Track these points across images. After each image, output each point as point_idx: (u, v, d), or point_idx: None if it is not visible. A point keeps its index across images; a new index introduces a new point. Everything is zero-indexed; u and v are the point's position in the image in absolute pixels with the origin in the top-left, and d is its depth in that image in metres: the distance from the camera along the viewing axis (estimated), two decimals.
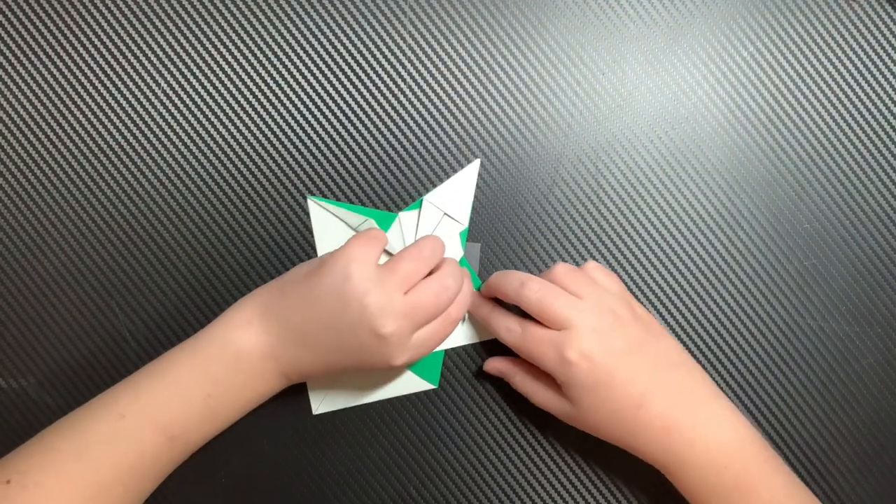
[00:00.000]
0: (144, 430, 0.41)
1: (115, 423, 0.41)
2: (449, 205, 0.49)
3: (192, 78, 0.49)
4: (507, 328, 0.44)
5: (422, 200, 0.48)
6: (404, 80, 0.49)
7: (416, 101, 0.49)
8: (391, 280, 0.41)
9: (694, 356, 0.50)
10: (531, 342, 0.43)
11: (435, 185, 0.49)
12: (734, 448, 0.41)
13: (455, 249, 0.49)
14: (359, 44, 0.49)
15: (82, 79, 0.49)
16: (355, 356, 0.42)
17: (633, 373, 0.41)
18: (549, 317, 0.42)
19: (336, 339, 0.42)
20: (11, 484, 0.39)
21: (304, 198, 0.49)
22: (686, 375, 0.43)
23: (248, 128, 0.49)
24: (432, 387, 0.49)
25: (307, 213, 0.49)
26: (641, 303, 0.50)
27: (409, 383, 0.49)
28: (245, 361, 0.42)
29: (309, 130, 0.49)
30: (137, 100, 0.49)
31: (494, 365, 0.48)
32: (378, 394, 0.49)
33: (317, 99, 0.49)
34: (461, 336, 0.49)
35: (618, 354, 0.41)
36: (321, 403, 0.49)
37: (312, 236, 0.49)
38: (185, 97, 0.49)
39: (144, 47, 0.49)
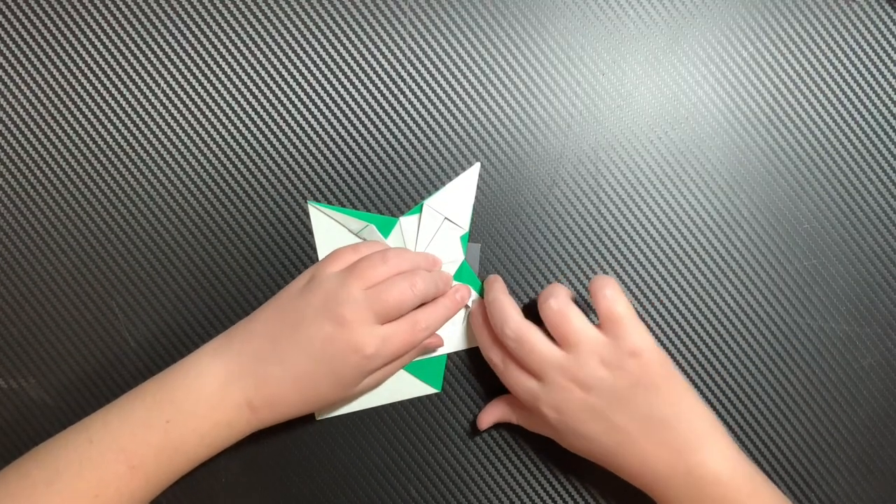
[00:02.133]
0: (108, 457, 0.40)
1: (84, 448, 0.40)
2: (449, 209, 0.49)
3: (192, 78, 0.49)
4: (491, 360, 0.45)
5: (422, 205, 0.48)
6: (404, 81, 0.49)
7: (416, 102, 0.49)
8: (350, 276, 0.43)
9: (694, 356, 0.50)
10: (510, 381, 0.44)
11: (435, 186, 0.49)
12: (719, 487, 0.41)
13: (456, 253, 0.49)
14: (359, 44, 0.49)
15: (82, 79, 0.49)
16: (325, 359, 0.42)
17: (604, 430, 0.42)
18: (528, 367, 0.43)
19: (303, 341, 0.42)
20: None
21: (304, 198, 0.49)
22: (665, 430, 0.41)
23: (248, 128, 0.49)
24: (435, 391, 0.49)
25: (307, 214, 0.49)
26: (641, 303, 0.50)
27: (412, 387, 0.49)
28: (206, 386, 0.42)
29: (309, 130, 0.49)
30: (137, 100, 0.49)
31: (487, 420, 0.48)
32: (381, 398, 0.49)
33: (317, 99, 0.49)
34: (461, 340, 0.49)
35: (589, 415, 0.42)
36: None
37: (313, 238, 0.49)
38: (185, 97, 0.49)
39: (144, 47, 0.49)
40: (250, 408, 0.42)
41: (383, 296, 0.43)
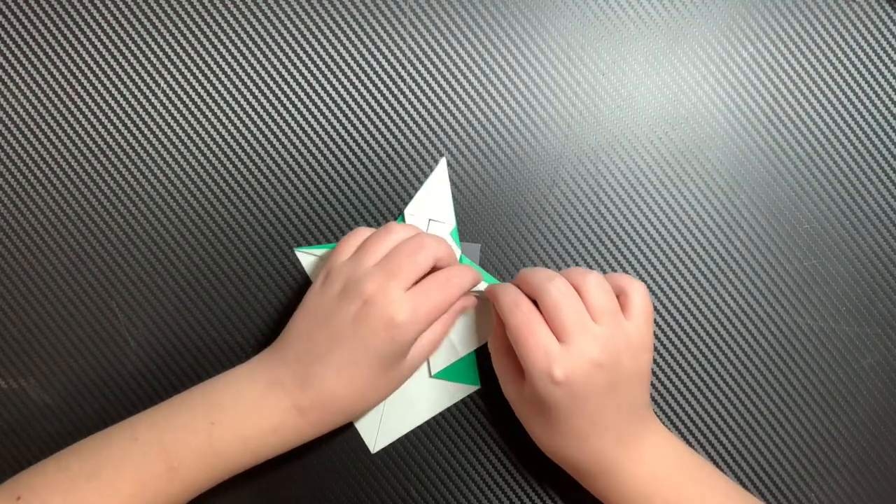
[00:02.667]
0: (149, 457, 0.40)
1: (127, 445, 0.40)
2: (430, 209, 0.48)
3: (192, 78, 0.49)
4: (515, 302, 0.42)
5: (403, 216, 0.48)
6: (404, 81, 0.49)
7: (416, 102, 0.49)
8: (360, 255, 0.43)
9: (694, 356, 0.50)
10: (527, 331, 0.41)
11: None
12: (664, 476, 0.42)
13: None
14: (359, 44, 0.49)
15: (82, 79, 0.49)
16: (361, 341, 0.40)
17: (596, 411, 0.41)
18: (558, 323, 0.41)
19: (336, 331, 0.41)
20: (21, 501, 0.39)
21: (304, 198, 0.49)
22: (637, 419, 0.43)
23: (248, 128, 0.49)
24: (476, 388, 0.49)
25: (307, 214, 0.49)
26: None
27: (453, 393, 0.48)
28: (251, 391, 0.41)
29: (309, 130, 0.49)
30: (137, 100, 0.49)
31: (497, 295, 0.44)
32: (427, 410, 0.48)
33: (316, 99, 0.49)
34: (473, 339, 0.48)
35: (595, 391, 0.41)
36: (376, 439, 0.48)
37: (313, 237, 0.49)
38: (184, 97, 0.49)
39: (144, 47, 0.49)
40: (299, 411, 0.41)
41: (396, 259, 0.41)
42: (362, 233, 0.45)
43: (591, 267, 0.50)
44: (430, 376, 0.48)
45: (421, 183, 0.49)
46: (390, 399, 0.47)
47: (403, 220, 0.48)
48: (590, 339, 0.40)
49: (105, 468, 0.40)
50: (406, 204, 0.49)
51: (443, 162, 0.49)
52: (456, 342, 0.48)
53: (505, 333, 0.43)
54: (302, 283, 0.49)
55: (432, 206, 0.48)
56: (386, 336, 0.40)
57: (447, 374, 0.48)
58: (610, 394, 0.41)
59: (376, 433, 0.48)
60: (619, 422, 0.42)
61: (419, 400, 0.48)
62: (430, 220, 0.48)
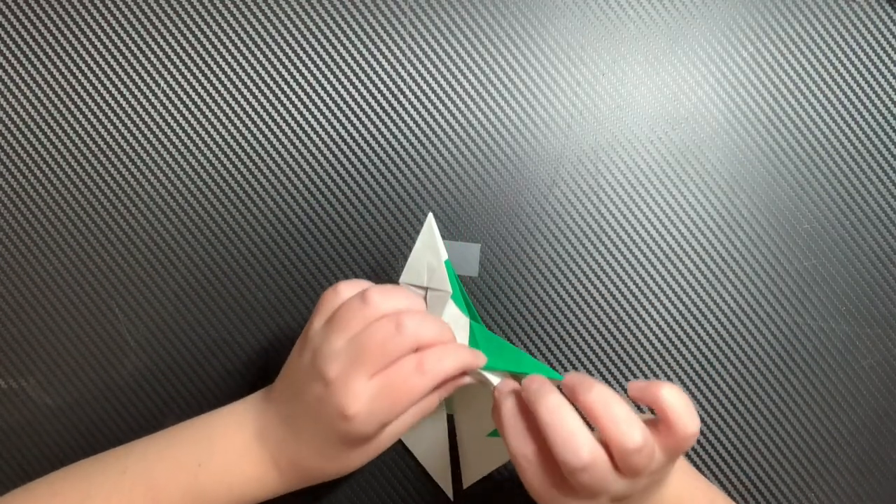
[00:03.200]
0: (137, 491, 0.39)
1: (117, 477, 0.40)
2: (425, 277, 0.42)
3: (191, 78, 0.49)
4: (522, 455, 0.36)
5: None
6: (404, 81, 0.49)
7: (416, 102, 0.49)
8: (330, 327, 0.38)
9: (694, 356, 0.50)
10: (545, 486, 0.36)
11: (435, 186, 0.49)
12: None
13: (456, 316, 0.43)
14: (359, 44, 0.49)
15: (82, 79, 0.49)
16: (322, 421, 0.38)
17: None
18: (589, 485, 0.34)
19: (304, 404, 0.39)
20: None
21: (304, 198, 0.49)
22: None
23: (248, 128, 0.49)
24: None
25: (306, 213, 0.49)
26: (641, 303, 0.50)
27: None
28: (239, 437, 0.40)
29: (308, 130, 0.49)
30: (137, 100, 0.49)
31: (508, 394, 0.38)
32: (499, 457, 0.46)
33: (316, 99, 0.49)
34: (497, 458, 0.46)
35: None
36: (467, 477, 0.47)
37: (312, 237, 0.49)
38: (184, 97, 0.49)
39: (144, 47, 0.49)
40: (277, 468, 0.40)
41: (365, 342, 0.37)
42: (342, 291, 0.40)
43: (591, 267, 0.50)
44: (487, 435, 0.46)
45: (421, 182, 0.49)
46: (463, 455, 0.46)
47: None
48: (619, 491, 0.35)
49: (95, 498, 0.39)
50: (406, 205, 0.49)
51: (430, 218, 0.42)
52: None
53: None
54: (302, 284, 0.49)
55: (427, 272, 0.42)
56: (341, 426, 0.37)
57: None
58: None
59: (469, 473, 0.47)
60: None
61: (487, 452, 0.47)
62: (427, 289, 0.42)
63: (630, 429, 0.33)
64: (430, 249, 0.42)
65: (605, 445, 0.34)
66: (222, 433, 0.41)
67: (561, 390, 0.36)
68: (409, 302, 0.39)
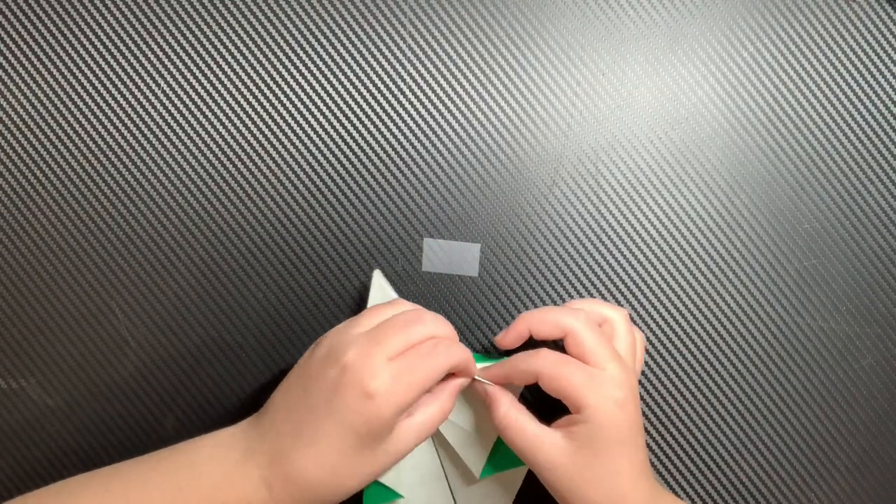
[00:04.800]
0: None
1: (100, 496, 0.39)
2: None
3: (191, 78, 0.49)
4: (535, 352, 0.41)
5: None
6: (404, 80, 0.49)
7: (416, 102, 0.49)
8: (353, 323, 0.40)
9: (694, 356, 0.50)
10: (572, 366, 0.40)
11: (435, 186, 0.49)
12: None
13: None
14: (359, 44, 0.49)
15: (82, 79, 0.49)
16: (335, 412, 0.37)
17: (637, 445, 0.40)
18: (591, 356, 0.40)
19: (313, 399, 0.38)
20: None
21: (304, 198, 0.49)
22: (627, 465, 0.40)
23: (248, 128, 0.49)
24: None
25: (306, 213, 0.49)
26: (641, 303, 0.50)
27: (513, 480, 0.46)
28: (227, 456, 0.39)
29: (308, 130, 0.49)
30: (137, 100, 0.49)
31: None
32: None
33: (316, 99, 0.49)
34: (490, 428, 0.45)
35: (636, 421, 0.40)
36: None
37: (312, 236, 0.49)
38: (184, 97, 0.49)
39: (144, 47, 0.49)
40: (266, 486, 0.37)
41: (385, 326, 0.38)
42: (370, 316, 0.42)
43: (591, 267, 0.50)
44: (479, 479, 0.45)
45: (420, 182, 0.49)
46: None
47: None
48: (621, 367, 0.40)
49: None
50: (406, 206, 0.49)
51: (376, 273, 0.45)
52: (474, 432, 0.45)
53: (507, 411, 0.41)
54: (302, 283, 0.49)
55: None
56: (360, 409, 0.36)
57: (492, 467, 0.45)
58: (639, 433, 0.40)
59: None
60: (646, 468, 0.41)
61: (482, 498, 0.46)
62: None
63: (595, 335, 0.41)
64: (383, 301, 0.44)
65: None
66: (207, 456, 0.39)
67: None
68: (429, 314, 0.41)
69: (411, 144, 0.49)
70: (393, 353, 0.37)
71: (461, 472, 0.46)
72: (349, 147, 0.49)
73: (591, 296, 0.50)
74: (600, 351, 0.40)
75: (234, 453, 0.39)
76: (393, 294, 0.46)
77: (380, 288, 0.46)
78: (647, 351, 0.50)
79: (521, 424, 0.40)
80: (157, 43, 0.49)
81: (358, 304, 0.49)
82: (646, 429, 0.50)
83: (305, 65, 0.49)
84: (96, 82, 0.49)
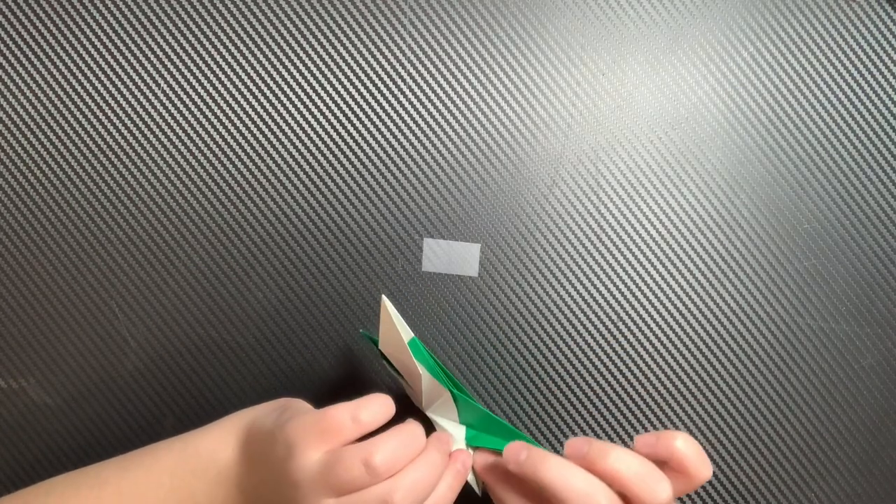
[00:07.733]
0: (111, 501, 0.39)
1: (96, 492, 0.39)
2: (395, 368, 0.43)
3: (191, 78, 0.49)
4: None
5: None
6: (404, 81, 0.49)
7: (416, 102, 0.49)
8: (325, 473, 0.35)
9: (694, 356, 0.50)
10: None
11: (434, 186, 0.49)
12: None
13: (435, 389, 0.41)
14: (359, 44, 0.49)
15: (82, 79, 0.49)
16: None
17: None
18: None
19: (265, 482, 0.37)
20: None
21: (304, 198, 0.49)
22: None
23: (248, 128, 0.49)
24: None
25: (306, 213, 0.49)
26: (641, 303, 0.50)
27: None
28: (220, 454, 0.39)
29: (308, 130, 0.49)
30: (137, 100, 0.49)
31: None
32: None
33: (316, 99, 0.49)
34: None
35: None
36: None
37: (311, 235, 0.49)
38: (184, 97, 0.49)
39: (144, 47, 0.49)
40: (244, 495, 0.39)
41: (339, 464, 0.34)
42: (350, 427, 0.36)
43: (591, 267, 0.50)
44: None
45: (420, 182, 0.49)
46: None
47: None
48: None
49: None
50: (406, 206, 0.49)
51: (384, 302, 0.40)
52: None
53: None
54: (302, 283, 0.49)
55: (396, 363, 0.42)
56: None
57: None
58: None
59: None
60: None
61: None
62: (397, 374, 0.43)
63: (659, 485, 0.34)
64: (392, 335, 0.40)
65: (623, 497, 0.35)
66: (206, 448, 0.40)
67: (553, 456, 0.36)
68: (410, 451, 0.36)
69: (411, 144, 0.49)
70: (342, 492, 0.34)
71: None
72: (349, 147, 0.49)
73: (592, 296, 0.50)
74: None
75: (228, 448, 0.39)
76: (401, 322, 0.41)
77: (390, 315, 0.41)
78: (647, 351, 0.50)
79: None
80: (157, 43, 0.49)
81: (358, 303, 0.49)
82: (645, 429, 0.50)
83: (305, 65, 0.49)
84: (96, 82, 0.49)
